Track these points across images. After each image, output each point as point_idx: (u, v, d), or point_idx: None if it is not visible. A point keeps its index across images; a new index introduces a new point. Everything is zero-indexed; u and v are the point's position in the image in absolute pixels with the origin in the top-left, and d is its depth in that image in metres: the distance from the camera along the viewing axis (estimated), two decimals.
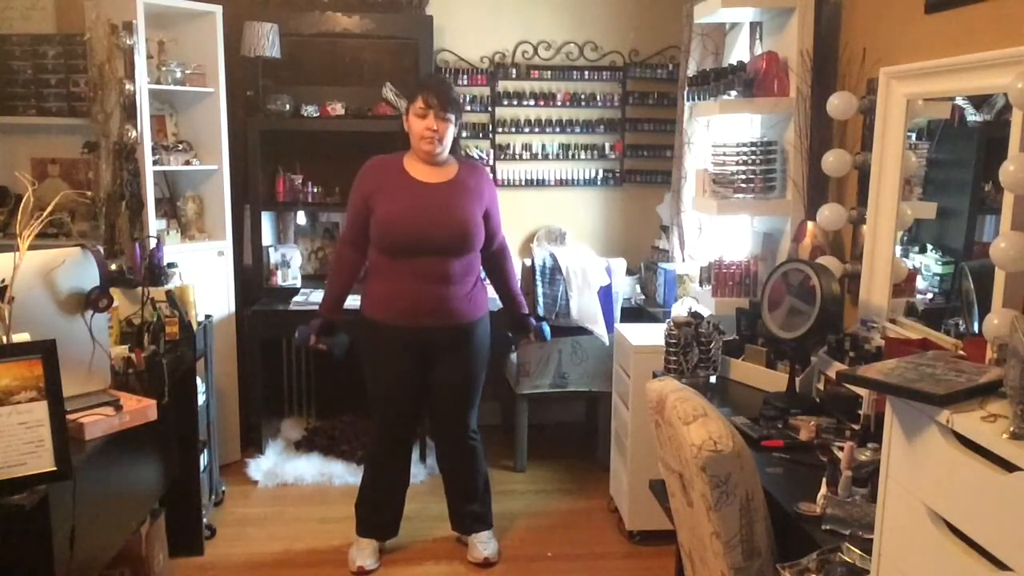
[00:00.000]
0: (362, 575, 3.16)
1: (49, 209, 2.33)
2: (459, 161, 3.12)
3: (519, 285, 3.37)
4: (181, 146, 3.90)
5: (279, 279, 4.28)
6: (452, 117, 2.94)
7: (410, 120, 2.97)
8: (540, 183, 4.55)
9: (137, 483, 2.80)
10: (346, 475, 3.93)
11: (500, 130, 4.48)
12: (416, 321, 3.00)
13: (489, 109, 4.45)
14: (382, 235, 2.97)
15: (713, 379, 2.84)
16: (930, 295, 2.57)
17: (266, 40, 3.93)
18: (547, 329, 3.36)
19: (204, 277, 3.64)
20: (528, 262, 3.90)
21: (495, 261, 3.25)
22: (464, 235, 2.98)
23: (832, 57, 3.12)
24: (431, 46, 4.27)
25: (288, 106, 4.11)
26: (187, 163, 3.87)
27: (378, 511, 3.26)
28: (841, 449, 2.02)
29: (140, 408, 2.37)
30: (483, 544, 3.25)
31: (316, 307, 3.93)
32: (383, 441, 3.21)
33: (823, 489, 1.90)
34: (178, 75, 3.77)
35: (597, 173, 4.57)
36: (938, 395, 1.36)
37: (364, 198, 3.02)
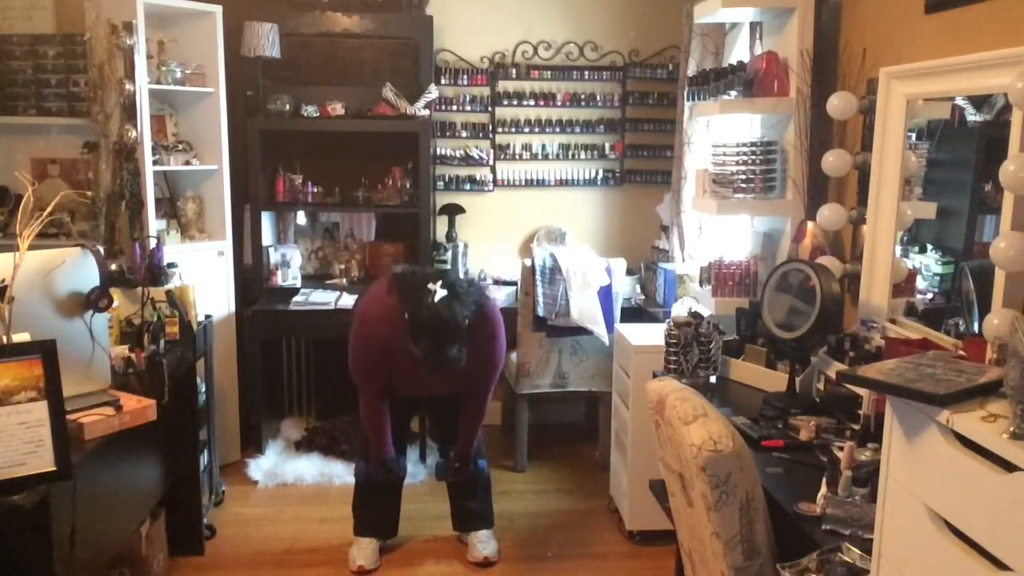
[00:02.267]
0: (362, 574, 3.16)
1: (49, 209, 2.33)
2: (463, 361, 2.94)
3: (476, 438, 3.25)
4: (181, 146, 3.90)
5: (279, 279, 4.28)
6: (454, 367, 2.86)
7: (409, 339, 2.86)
8: (540, 183, 4.55)
9: (137, 483, 2.80)
10: (346, 475, 3.92)
11: (500, 130, 4.48)
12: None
13: (489, 109, 4.45)
14: (392, 387, 3.12)
15: (713, 379, 2.84)
16: (930, 295, 2.57)
17: (266, 40, 3.93)
18: (484, 468, 3.32)
19: (204, 277, 3.64)
20: (528, 262, 3.90)
21: (466, 410, 3.18)
22: (457, 390, 3.15)
23: (832, 57, 3.12)
24: (431, 46, 4.27)
25: (288, 106, 4.12)
26: (187, 163, 3.87)
27: (374, 509, 3.26)
28: (841, 449, 2.02)
29: (140, 408, 2.37)
30: (483, 543, 3.25)
31: (316, 307, 3.97)
32: (373, 480, 3.22)
33: (823, 489, 1.90)
34: (178, 75, 3.77)
35: (597, 173, 4.57)
36: (938, 395, 1.36)
37: (383, 348, 2.97)
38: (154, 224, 3.63)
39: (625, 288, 4.16)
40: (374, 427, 3.13)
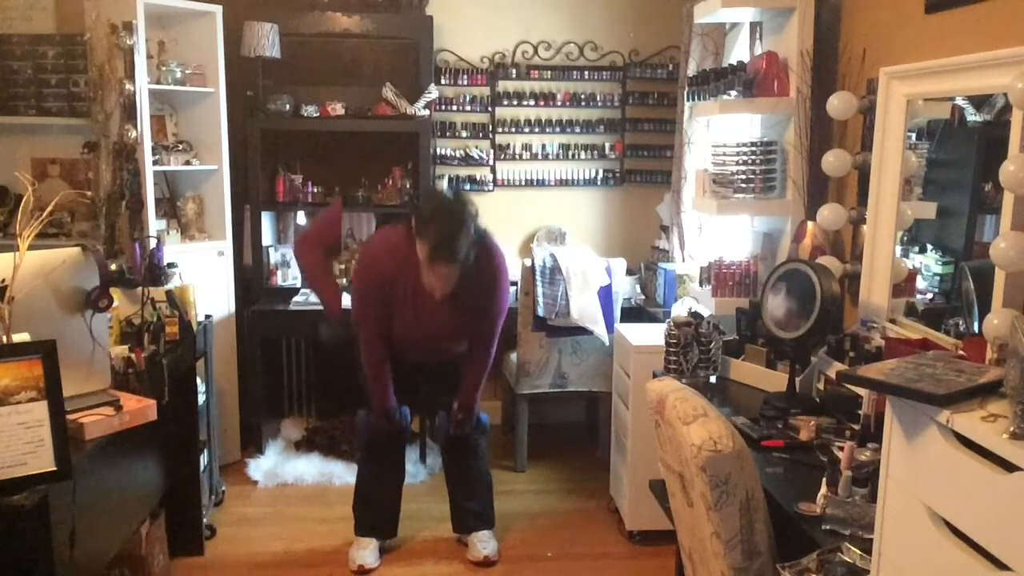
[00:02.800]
0: (362, 574, 3.16)
1: (49, 209, 2.33)
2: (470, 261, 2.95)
3: (480, 390, 3.24)
4: (181, 146, 3.90)
5: (279, 279, 4.28)
6: (460, 260, 2.86)
7: (418, 247, 2.87)
8: (540, 183, 4.55)
9: (137, 483, 2.80)
10: (346, 475, 3.93)
11: (500, 130, 4.48)
12: (414, 360, 3.19)
13: (489, 109, 4.45)
14: (391, 337, 3.09)
15: (713, 379, 2.85)
16: (930, 295, 2.57)
17: (266, 40, 3.93)
18: (485, 422, 3.32)
19: (204, 277, 3.64)
20: (528, 262, 3.90)
21: (472, 358, 3.18)
22: (465, 340, 3.15)
23: (832, 57, 3.12)
24: (431, 46, 4.27)
25: (288, 106, 4.12)
26: (187, 163, 3.87)
27: (374, 509, 3.26)
28: (841, 449, 2.02)
29: (140, 408, 2.37)
30: (483, 543, 3.25)
31: (316, 307, 3.96)
32: (376, 436, 3.22)
33: (823, 489, 1.90)
34: (178, 75, 3.77)
35: (597, 173, 4.57)
36: (938, 395, 1.36)
37: (386, 289, 2.98)
38: (154, 224, 3.63)
39: (625, 288, 4.16)
40: (375, 371, 3.10)
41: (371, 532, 3.26)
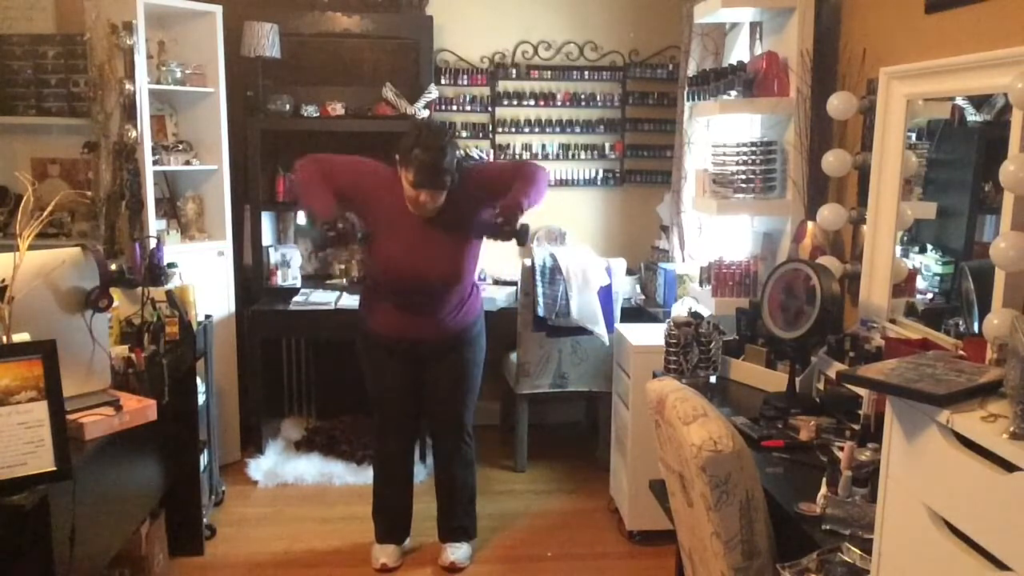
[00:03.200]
0: (385, 572, 3.18)
1: (49, 209, 2.33)
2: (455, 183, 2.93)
3: (529, 192, 2.93)
4: (181, 146, 3.90)
5: (279, 279, 4.28)
6: (446, 184, 2.85)
7: (402, 177, 2.87)
8: None
9: (137, 483, 2.80)
10: (346, 475, 3.93)
11: (500, 130, 4.48)
12: (411, 337, 3.08)
13: (489, 109, 4.45)
14: (379, 272, 3.03)
15: (713, 379, 2.84)
16: (930, 295, 2.57)
17: (266, 40, 3.93)
18: (527, 228, 2.96)
19: (204, 277, 3.64)
20: (528, 262, 3.90)
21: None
22: (456, 275, 3.02)
23: (832, 57, 3.12)
24: (431, 46, 4.27)
25: (288, 106, 4.12)
26: (187, 163, 3.87)
27: (393, 514, 3.28)
28: (841, 449, 2.02)
29: (140, 408, 2.37)
30: (453, 548, 3.24)
31: (316, 307, 3.97)
32: (386, 442, 3.23)
33: (823, 489, 1.90)
34: (178, 75, 3.77)
35: (597, 173, 4.57)
36: (938, 395, 1.36)
37: (360, 188, 2.96)
38: (154, 224, 3.63)
39: (625, 288, 4.15)
40: (311, 184, 2.91)
41: (387, 538, 3.27)
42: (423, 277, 2.97)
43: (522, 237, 2.94)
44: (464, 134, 4.46)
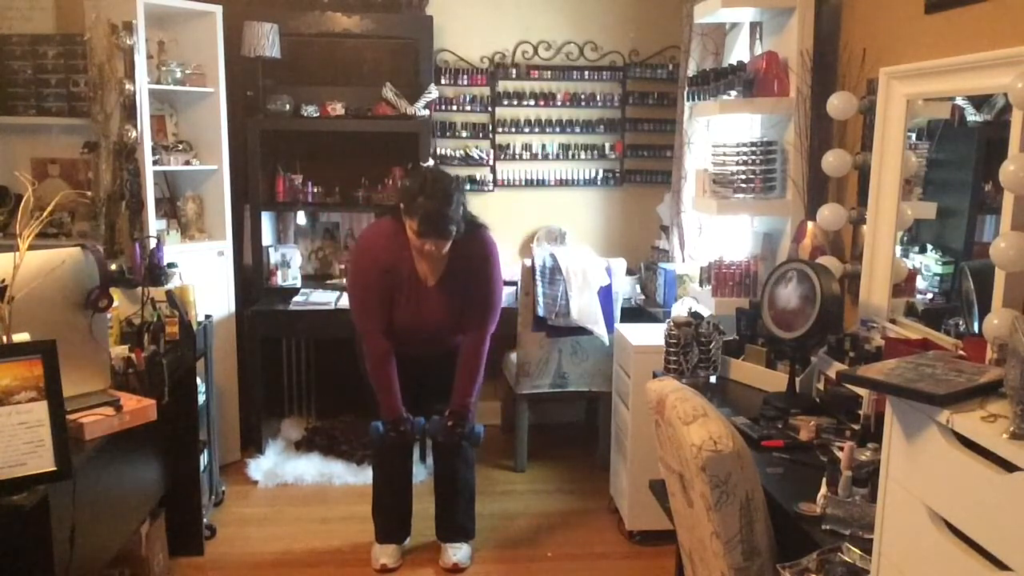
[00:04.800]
0: (385, 572, 3.18)
1: (49, 209, 2.33)
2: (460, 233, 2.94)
3: (475, 389, 3.12)
4: (181, 146, 3.90)
5: (279, 279, 4.28)
6: (451, 234, 2.85)
7: (407, 227, 2.87)
8: (540, 183, 4.55)
9: (137, 483, 2.80)
10: (346, 475, 3.93)
11: (500, 130, 4.48)
12: (411, 353, 3.14)
13: (489, 109, 4.45)
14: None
15: (713, 379, 2.85)
16: (930, 295, 2.57)
17: (266, 40, 3.93)
18: (479, 433, 3.14)
19: (204, 277, 3.64)
20: (528, 262, 3.90)
21: (465, 347, 3.10)
22: (457, 327, 3.10)
23: (832, 57, 3.12)
24: (431, 46, 4.27)
25: (288, 106, 4.11)
26: (187, 163, 3.87)
27: (393, 514, 3.28)
28: (841, 449, 2.02)
29: (140, 408, 2.37)
30: (454, 549, 3.24)
31: (316, 307, 3.98)
32: (386, 442, 3.22)
33: (823, 489, 1.90)
34: (178, 75, 3.77)
35: (597, 173, 4.57)
36: (938, 395, 1.36)
37: (386, 280, 2.97)
38: (154, 224, 3.63)
39: (625, 288, 4.15)
40: (382, 377, 3.04)
41: (387, 538, 3.27)
42: (426, 332, 3.08)
43: (475, 440, 3.13)
44: (464, 134, 4.46)
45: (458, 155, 4.47)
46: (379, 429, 3.10)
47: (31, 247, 2.21)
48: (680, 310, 3.38)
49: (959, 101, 2.42)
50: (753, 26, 3.58)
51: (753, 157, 3.29)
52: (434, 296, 3.01)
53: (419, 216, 2.80)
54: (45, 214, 2.27)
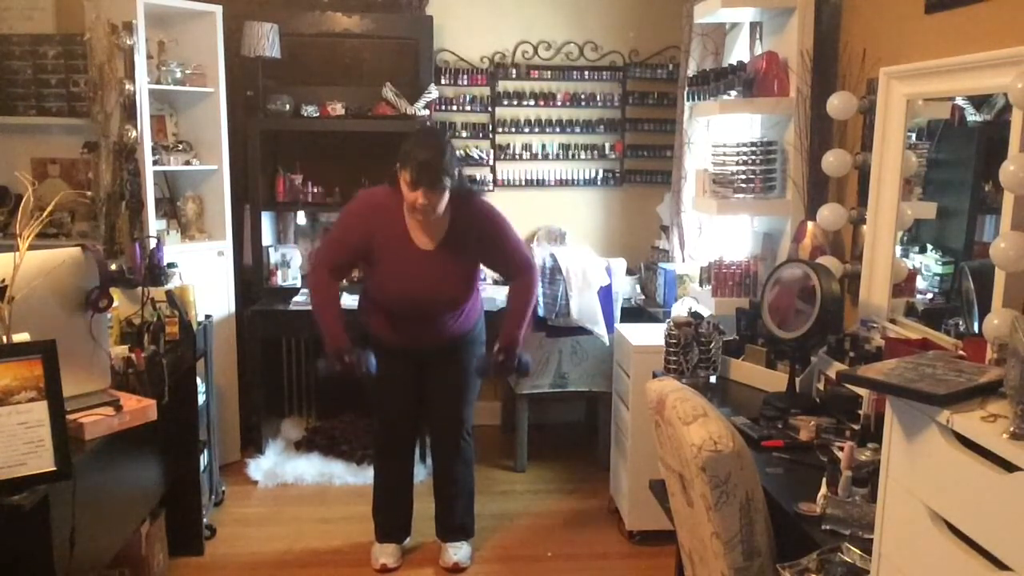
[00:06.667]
0: (385, 572, 3.18)
1: (49, 209, 2.33)
2: (454, 202, 2.91)
3: (523, 324, 3.05)
4: (181, 146, 3.90)
5: (279, 279, 4.28)
6: (445, 185, 2.82)
7: (401, 183, 2.85)
8: (540, 183, 4.54)
9: (137, 483, 2.80)
10: (346, 475, 3.93)
11: (500, 130, 4.48)
12: (410, 344, 3.10)
13: (489, 109, 4.45)
14: (380, 294, 3.04)
15: (713, 379, 2.85)
16: (930, 295, 2.57)
17: (266, 40, 3.93)
18: (528, 363, 3.09)
19: (204, 277, 3.64)
20: None
21: (512, 289, 3.11)
22: (455, 300, 3.04)
23: (832, 57, 3.12)
24: (431, 46, 4.27)
25: (288, 106, 4.11)
26: (187, 163, 3.87)
27: (393, 513, 3.28)
28: (841, 449, 2.02)
29: (140, 408, 2.37)
30: (454, 548, 3.24)
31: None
32: (387, 442, 3.24)
33: (823, 489, 1.90)
34: (178, 75, 3.77)
35: (597, 173, 4.57)
36: (938, 395, 1.36)
37: (365, 238, 2.95)
38: (154, 224, 3.63)
39: (625, 288, 4.15)
40: (323, 305, 2.98)
41: (387, 538, 3.27)
42: (421, 303, 3.01)
43: (524, 369, 3.07)
44: (464, 134, 4.46)
45: (458, 155, 4.46)
46: (323, 365, 3.00)
47: (31, 247, 2.21)
48: (680, 310, 3.38)
49: (959, 101, 2.43)
50: (753, 26, 3.58)
51: (753, 157, 3.29)
52: (428, 262, 2.94)
53: (412, 166, 2.78)
54: (45, 214, 2.27)
